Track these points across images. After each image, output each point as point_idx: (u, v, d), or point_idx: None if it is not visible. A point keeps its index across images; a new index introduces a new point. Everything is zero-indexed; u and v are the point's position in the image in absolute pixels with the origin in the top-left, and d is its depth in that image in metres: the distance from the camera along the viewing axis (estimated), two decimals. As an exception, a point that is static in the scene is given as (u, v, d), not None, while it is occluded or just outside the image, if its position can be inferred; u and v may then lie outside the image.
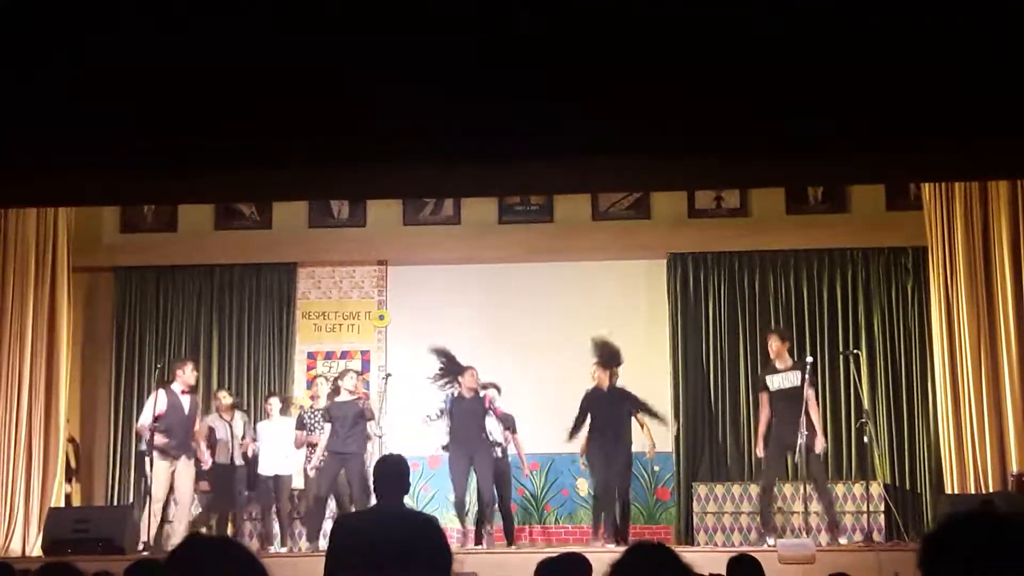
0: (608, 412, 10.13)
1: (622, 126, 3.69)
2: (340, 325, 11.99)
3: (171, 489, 10.09)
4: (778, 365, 10.16)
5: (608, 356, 10.33)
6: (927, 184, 10.39)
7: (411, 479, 11.05)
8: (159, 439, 10.00)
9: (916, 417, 11.17)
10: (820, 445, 9.94)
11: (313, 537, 10.07)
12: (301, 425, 10.66)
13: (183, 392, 10.28)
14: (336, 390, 10.56)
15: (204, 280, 11.96)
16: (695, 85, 3.72)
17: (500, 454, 10.43)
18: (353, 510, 9.84)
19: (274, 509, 10.68)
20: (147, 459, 10.12)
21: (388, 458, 5.34)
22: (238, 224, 11.94)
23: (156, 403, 10.12)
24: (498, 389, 10.59)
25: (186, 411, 10.20)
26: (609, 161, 3.83)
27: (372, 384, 11.58)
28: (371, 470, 5.39)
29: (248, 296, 11.92)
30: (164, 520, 10.19)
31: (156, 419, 10.02)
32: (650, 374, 10.96)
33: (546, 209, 11.79)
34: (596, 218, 11.78)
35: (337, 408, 10.33)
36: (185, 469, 10.10)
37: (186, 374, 10.30)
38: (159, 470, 10.01)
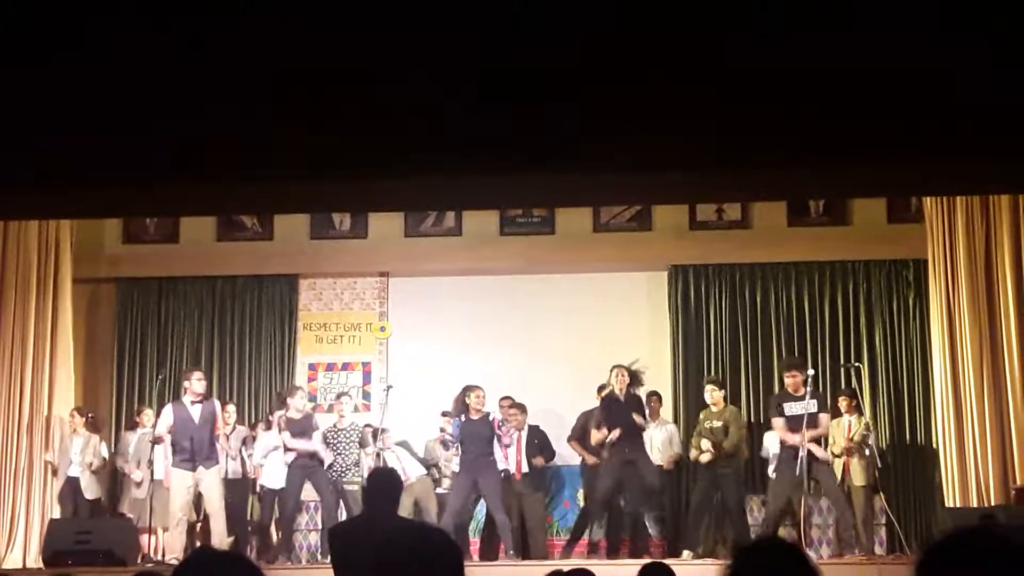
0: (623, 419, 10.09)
1: (630, 139, 3.64)
2: (341, 337, 11.99)
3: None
4: (794, 392, 10.05)
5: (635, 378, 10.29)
6: (928, 196, 10.35)
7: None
8: (166, 452, 9.99)
9: (918, 430, 11.17)
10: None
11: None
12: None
13: (193, 402, 10.05)
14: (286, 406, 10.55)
15: (206, 291, 11.97)
16: (707, 93, 3.64)
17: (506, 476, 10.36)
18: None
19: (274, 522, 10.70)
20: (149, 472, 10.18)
21: (380, 471, 5.51)
22: (240, 235, 11.95)
23: (162, 418, 10.03)
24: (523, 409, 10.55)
25: (196, 421, 9.94)
26: (612, 176, 3.80)
27: (373, 396, 11.59)
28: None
29: (249, 307, 11.94)
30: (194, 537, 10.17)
31: (158, 437, 9.98)
32: (651, 385, 10.91)
33: (547, 221, 11.80)
34: (597, 230, 11.78)
35: (294, 424, 10.38)
36: (209, 478, 9.91)
37: (192, 384, 10.10)
38: (179, 481, 9.83)
